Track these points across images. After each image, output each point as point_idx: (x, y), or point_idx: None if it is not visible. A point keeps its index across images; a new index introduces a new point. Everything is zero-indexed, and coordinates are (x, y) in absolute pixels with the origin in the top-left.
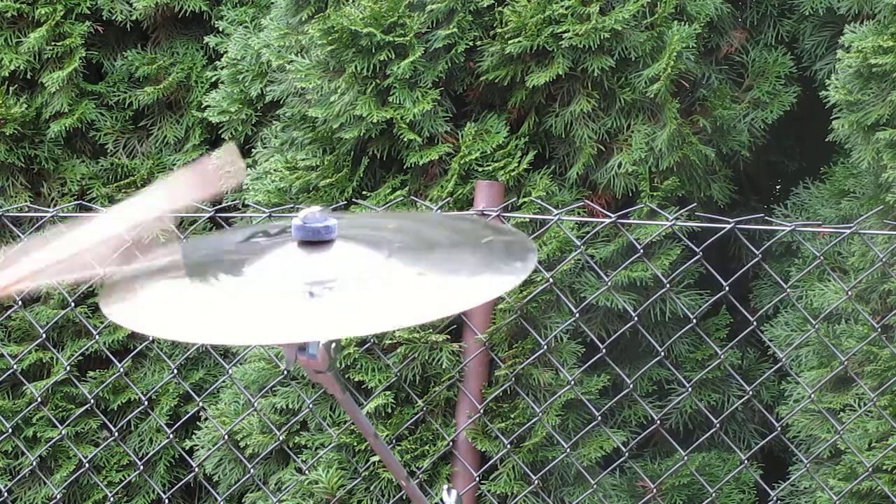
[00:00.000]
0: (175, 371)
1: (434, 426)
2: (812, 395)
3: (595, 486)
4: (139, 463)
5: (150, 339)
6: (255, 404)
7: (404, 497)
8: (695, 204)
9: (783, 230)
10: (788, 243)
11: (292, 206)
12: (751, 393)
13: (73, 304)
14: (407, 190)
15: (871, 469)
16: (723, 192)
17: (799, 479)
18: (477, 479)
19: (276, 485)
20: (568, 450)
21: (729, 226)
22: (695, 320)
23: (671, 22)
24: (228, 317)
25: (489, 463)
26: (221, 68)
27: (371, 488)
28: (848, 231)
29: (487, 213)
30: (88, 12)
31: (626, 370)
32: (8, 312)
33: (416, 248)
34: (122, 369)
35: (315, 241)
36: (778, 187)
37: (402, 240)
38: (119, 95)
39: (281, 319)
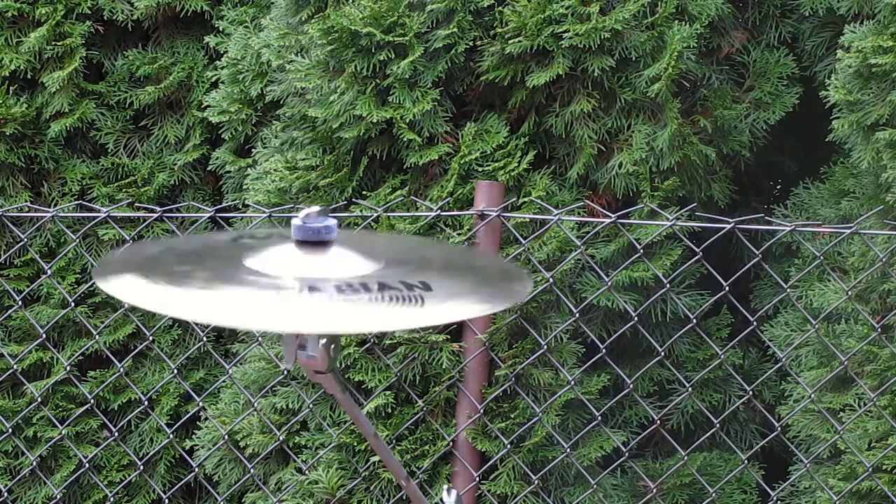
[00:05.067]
0: (175, 371)
1: (434, 426)
2: (812, 395)
3: (595, 486)
4: (139, 463)
5: (151, 339)
6: (255, 404)
7: (404, 497)
8: (695, 204)
9: (783, 230)
10: (788, 243)
11: (292, 205)
12: (751, 393)
13: (73, 304)
14: (407, 190)
15: (871, 469)
16: (723, 193)
17: (799, 478)
18: (477, 479)
19: (276, 485)
20: (568, 450)
21: (729, 226)
22: (695, 320)
23: (672, 22)
24: (225, 301)
25: (489, 463)
26: (221, 68)
27: (371, 488)
28: (848, 231)
29: (487, 213)
30: (89, 12)
31: (626, 370)
32: (8, 312)
33: (412, 262)
34: (122, 369)
35: (313, 241)
36: (778, 187)
37: (397, 255)
38: (120, 95)
39: (276, 309)
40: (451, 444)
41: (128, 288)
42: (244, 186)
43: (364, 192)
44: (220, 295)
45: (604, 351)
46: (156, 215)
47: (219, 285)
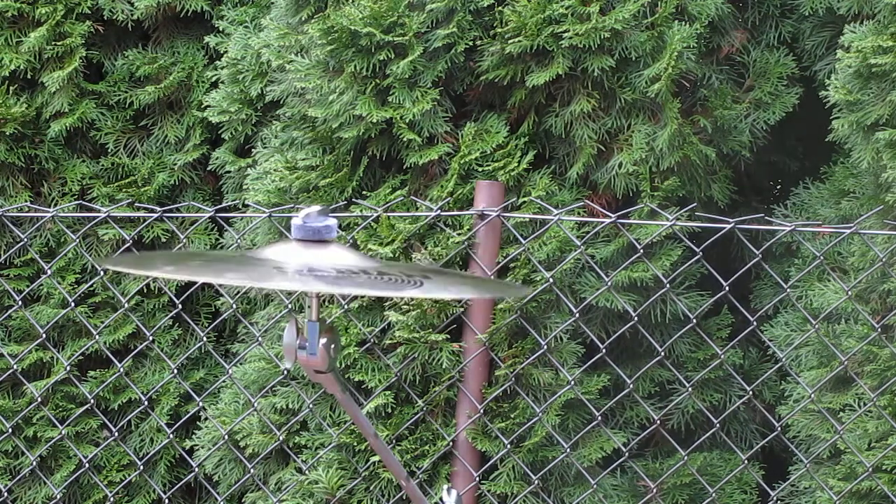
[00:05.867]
0: (175, 371)
1: (434, 426)
2: (812, 395)
3: (595, 486)
4: (139, 463)
5: (151, 339)
6: (255, 404)
7: (404, 497)
8: (695, 204)
9: (783, 230)
10: (788, 243)
11: (292, 205)
12: (751, 393)
13: (73, 304)
14: (407, 190)
15: (870, 469)
16: (723, 193)
17: (799, 478)
18: (477, 479)
19: (276, 485)
20: (568, 450)
21: (729, 226)
22: (695, 321)
23: (672, 22)
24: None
25: (489, 463)
26: (221, 68)
27: (371, 488)
28: (848, 231)
29: (487, 213)
30: (89, 12)
31: (627, 371)
32: (8, 312)
33: (409, 266)
34: (122, 369)
35: (313, 240)
36: (778, 187)
37: (394, 263)
38: (120, 95)
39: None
40: (451, 444)
41: (134, 263)
42: (244, 186)
43: (364, 192)
44: (221, 269)
45: (604, 351)
46: (156, 215)
47: (222, 265)
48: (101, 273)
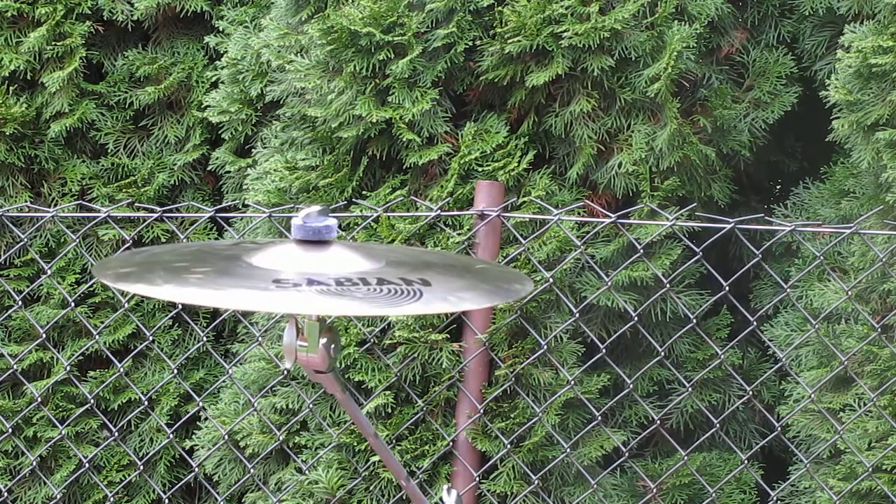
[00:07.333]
0: (175, 371)
1: (434, 426)
2: (812, 395)
3: (595, 485)
4: (139, 463)
5: (151, 339)
6: (255, 404)
7: (404, 497)
8: (695, 204)
9: (783, 230)
10: (788, 243)
11: (292, 206)
12: (751, 393)
13: (73, 304)
14: (407, 190)
15: (870, 469)
16: (723, 192)
17: (799, 479)
18: (477, 478)
19: (276, 485)
20: (568, 450)
21: (729, 226)
22: (695, 320)
23: (671, 22)
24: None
25: (489, 463)
26: (221, 68)
27: (371, 488)
28: (848, 231)
29: (487, 213)
30: (89, 12)
31: (626, 370)
32: (8, 312)
33: (411, 263)
34: (122, 369)
35: (313, 240)
36: (778, 187)
37: (397, 256)
38: (120, 95)
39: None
40: (451, 444)
41: (128, 281)
42: (244, 186)
43: (364, 192)
44: (220, 284)
45: (604, 351)
46: (156, 215)
47: (218, 277)
48: None
